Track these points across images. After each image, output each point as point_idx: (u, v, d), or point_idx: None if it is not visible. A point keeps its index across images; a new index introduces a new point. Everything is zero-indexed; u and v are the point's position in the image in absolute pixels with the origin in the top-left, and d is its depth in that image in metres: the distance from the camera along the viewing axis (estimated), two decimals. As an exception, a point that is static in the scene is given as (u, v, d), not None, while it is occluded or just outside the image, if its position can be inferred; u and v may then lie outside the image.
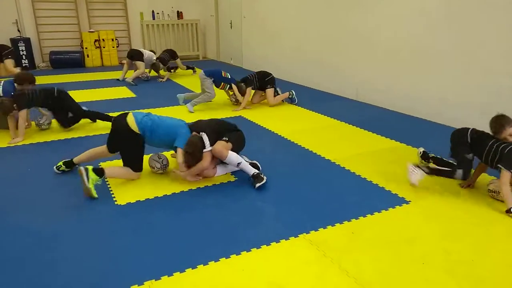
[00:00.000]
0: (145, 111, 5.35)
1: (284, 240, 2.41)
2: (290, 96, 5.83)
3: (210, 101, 5.62)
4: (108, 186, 3.16)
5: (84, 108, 4.77)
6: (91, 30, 9.42)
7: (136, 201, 2.91)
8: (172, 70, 8.11)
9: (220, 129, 3.32)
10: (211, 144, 3.15)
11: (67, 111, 4.58)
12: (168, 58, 7.91)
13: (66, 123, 4.60)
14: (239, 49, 9.34)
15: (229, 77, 5.51)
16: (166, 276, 2.09)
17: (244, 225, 2.60)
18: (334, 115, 5.13)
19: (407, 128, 4.64)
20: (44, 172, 3.45)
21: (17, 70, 7.04)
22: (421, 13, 4.77)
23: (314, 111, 5.40)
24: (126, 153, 3.22)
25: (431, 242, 2.40)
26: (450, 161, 3.23)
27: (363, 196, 2.98)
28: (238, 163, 3.15)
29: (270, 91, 5.66)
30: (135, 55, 7.41)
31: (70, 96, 4.59)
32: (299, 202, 2.88)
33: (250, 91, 5.57)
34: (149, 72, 7.87)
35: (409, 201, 2.88)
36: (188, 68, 8.40)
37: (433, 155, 3.46)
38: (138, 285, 2.02)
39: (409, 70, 5.06)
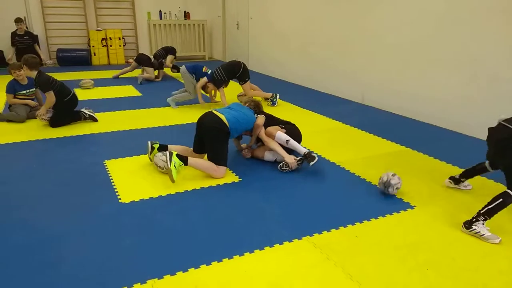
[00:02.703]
0: (151, 110, 5.34)
1: (287, 242, 2.40)
2: (271, 98, 5.80)
3: (191, 99, 5.62)
4: (113, 184, 3.16)
5: (84, 110, 4.83)
6: (98, 28, 9.46)
7: (140, 199, 2.92)
8: (173, 70, 8.12)
9: (276, 121, 3.70)
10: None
11: (66, 114, 4.67)
12: (161, 54, 7.86)
13: (56, 122, 4.62)
14: (246, 50, 9.34)
15: (208, 73, 5.54)
16: (169, 275, 2.09)
17: (247, 226, 2.59)
18: (339, 118, 5.12)
19: (413, 132, 4.62)
20: (49, 169, 3.46)
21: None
22: (428, 17, 4.75)
23: (319, 113, 5.39)
24: (214, 150, 3.31)
25: (436, 247, 2.38)
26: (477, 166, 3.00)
27: (367, 199, 2.97)
28: (287, 140, 3.41)
29: (245, 86, 5.64)
30: (143, 61, 7.43)
31: (76, 103, 4.76)
32: (303, 204, 2.87)
33: (223, 91, 5.55)
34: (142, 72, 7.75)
35: (414, 206, 2.86)
36: (176, 68, 7.99)
37: (457, 176, 3.14)
38: (141, 284, 2.02)
39: (415, 74, 5.04)
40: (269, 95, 5.82)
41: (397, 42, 5.24)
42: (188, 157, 3.23)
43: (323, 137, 4.42)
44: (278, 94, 5.84)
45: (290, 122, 3.81)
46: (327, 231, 2.52)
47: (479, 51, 4.24)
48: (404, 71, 5.20)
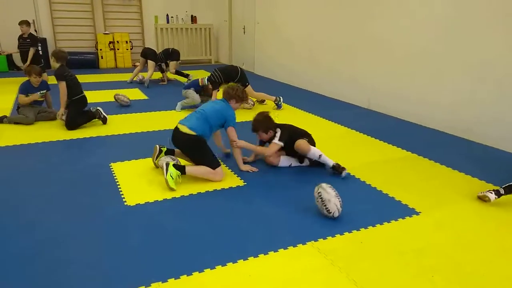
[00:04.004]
0: (157, 113, 5.35)
1: (291, 247, 2.40)
2: (276, 102, 5.84)
3: (195, 105, 5.60)
4: (118, 186, 3.18)
5: (100, 109, 4.92)
6: (106, 32, 9.54)
7: (145, 202, 2.93)
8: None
9: (295, 132, 3.63)
10: (281, 141, 3.49)
11: (78, 114, 4.74)
12: (160, 58, 7.54)
13: (72, 124, 4.68)
14: (252, 54, 9.37)
15: (205, 81, 5.66)
16: (173, 278, 2.09)
17: (252, 230, 2.59)
18: (345, 123, 5.11)
19: (419, 138, 4.60)
20: (56, 170, 3.49)
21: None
22: (435, 22, 4.75)
23: (325, 118, 5.38)
24: (200, 158, 3.34)
25: (441, 253, 2.36)
26: None
27: (372, 205, 2.96)
28: (320, 155, 3.46)
29: (247, 89, 5.68)
30: (148, 55, 7.48)
31: (85, 104, 4.86)
32: (308, 209, 2.86)
33: (215, 93, 5.63)
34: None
35: (420, 212, 2.85)
36: (180, 74, 7.76)
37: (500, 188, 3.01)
38: (146, 286, 2.02)
39: (421, 80, 5.03)
40: (272, 98, 5.84)
41: (404, 47, 5.23)
42: (186, 166, 3.24)
43: (328, 142, 4.41)
44: (281, 97, 5.86)
45: (307, 132, 3.73)
46: (332, 237, 2.51)
47: (487, 55, 4.22)
48: (410, 76, 5.19)
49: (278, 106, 5.84)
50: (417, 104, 5.14)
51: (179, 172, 3.16)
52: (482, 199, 2.98)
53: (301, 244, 2.42)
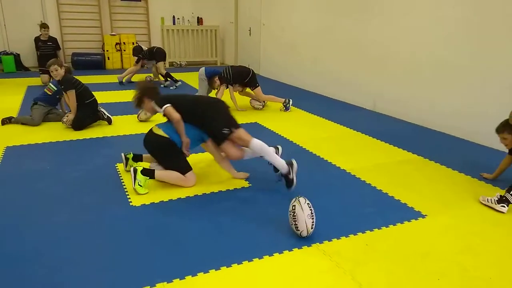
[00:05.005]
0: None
1: (296, 249, 2.39)
2: (284, 104, 5.83)
3: None
4: (124, 187, 3.19)
5: (102, 110, 4.95)
6: (112, 33, 9.61)
7: (151, 203, 2.94)
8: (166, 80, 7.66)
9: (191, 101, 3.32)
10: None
11: (86, 116, 4.76)
12: (145, 54, 7.46)
13: (79, 125, 4.70)
14: (257, 56, 9.38)
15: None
16: (178, 279, 2.10)
17: (256, 231, 2.59)
18: (350, 125, 5.10)
19: (424, 140, 4.58)
20: (62, 170, 3.51)
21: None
22: (439, 25, 4.72)
23: (331, 120, 5.38)
24: (168, 163, 3.20)
25: (447, 257, 2.35)
26: None
27: (378, 208, 2.95)
28: (264, 153, 3.12)
29: (257, 91, 5.74)
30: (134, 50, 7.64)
31: (96, 108, 4.89)
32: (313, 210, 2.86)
33: (223, 89, 5.64)
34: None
35: (426, 215, 2.83)
36: (170, 77, 7.51)
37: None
38: (151, 287, 2.03)
39: (427, 82, 5.01)
40: (281, 100, 5.84)
41: (410, 50, 5.21)
42: (156, 171, 3.13)
43: (334, 143, 4.40)
44: (291, 100, 5.86)
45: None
46: (337, 239, 2.50)
47: (493, 58, 4.19)
48: (416, 79, 5.17)
49: (286, 108, 5.84)
50: (423, 106, 5.12)
51: (147, 177, 3.07)
52: (495, 209, 2.92)
53: (306, 246, 2.41)
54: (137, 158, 3.49)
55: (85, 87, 4.82)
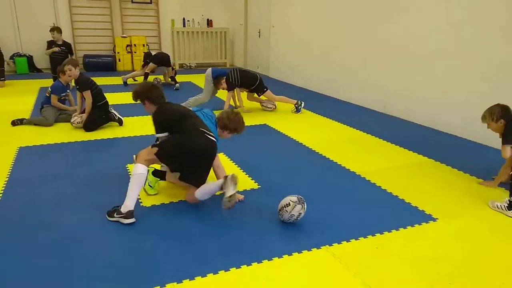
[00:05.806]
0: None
1: (306, 251, 2.39)
2: (296, 105, 5.83)
3: (202, 103, 5.68)
4: (134, 187, 3.21)
5: (114, 111, 5.00)
6: (123, 35, 9.70)
7: (161, 203, 2.96)
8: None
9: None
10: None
11: (98, 117, 4.81)
12: (154, 62, 7.52)
13: (90, 126, 4.74)
14: (266, 57, 9.39)
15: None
16: (188, 279, 2.11)
17: (266, 233, 2.59)
18: (360, 127, 5.07)
19: (435, 143, 4.54)
20: (73, 171, 3.55)
21: None
22: (453, 25, 4.68)
23: (341, 122, 5.35)
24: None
25: (458, 261, 2.32)
26: None
27: (388, 210, 2.93)
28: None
29: (267, 94, 5.78)
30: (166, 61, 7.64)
31: (107, 110, 4.94)
32: (323, 213, 2.85)
33: (230, 96, 5.66)
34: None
35: (437, 219, 2.80)
36: (172, 79, 7.73)
37: None
38: (160, 287, 2.04)
39: (438, 85, 4.96)
40: (293, 101, 5.84)
41: (421, 51, 5.17)
42: (167, 173, 3.05)
43: (344, 146, 4.38)
44: (303, 102, 5.85)
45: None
46: (347, 241, 2.49)
47: (506, 60, 4.14)
48: (427, 80, 5.12)
49: (297, 110, 5.83)
50: (433, 109, 5.07)
51: (157, 179, 3.07)
52: (507, 215, 2.87)
53: (315, 249, 2.41)
54: (158, 174, 3.13)
55: (99, 88, 4.88)
